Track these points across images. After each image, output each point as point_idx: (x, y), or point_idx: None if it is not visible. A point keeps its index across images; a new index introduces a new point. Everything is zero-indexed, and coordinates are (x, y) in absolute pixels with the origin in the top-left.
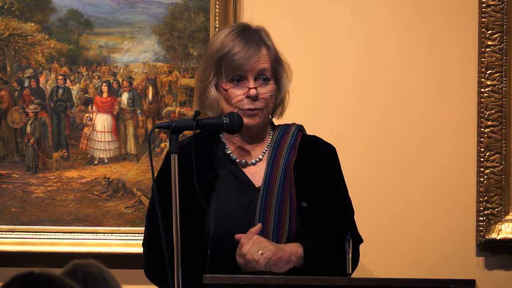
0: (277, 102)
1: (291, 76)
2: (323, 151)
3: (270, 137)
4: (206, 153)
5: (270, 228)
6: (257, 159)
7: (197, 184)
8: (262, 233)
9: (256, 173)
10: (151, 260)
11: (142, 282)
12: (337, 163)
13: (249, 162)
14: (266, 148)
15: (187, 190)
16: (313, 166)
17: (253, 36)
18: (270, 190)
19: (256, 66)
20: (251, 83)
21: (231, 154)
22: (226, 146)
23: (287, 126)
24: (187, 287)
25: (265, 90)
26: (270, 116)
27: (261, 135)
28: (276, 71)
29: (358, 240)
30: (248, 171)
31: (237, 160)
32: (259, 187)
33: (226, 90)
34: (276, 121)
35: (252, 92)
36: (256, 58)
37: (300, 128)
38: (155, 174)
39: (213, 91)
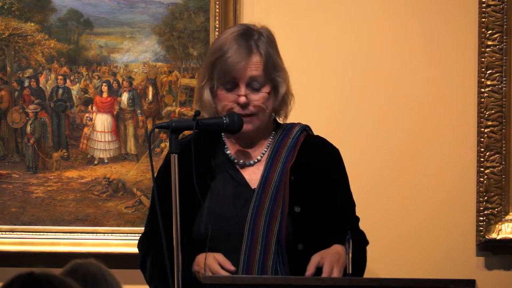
0: (277, 106)
1: (288, 80)
2: (326, 153)
3: (271, 137)
4: (206, 152)
5: (260, 231)
6: (256, 160)
7: (191, 184)
8: (252, 235)
9: (253, 175)
10: (148, 260)
11: (142, 282)
12: (340, 165)
13: (247, 163)
14: (265, 149)
15: (184, 189)
16: (314, 169)
17: (249, 42)
18: (264, 193)
19: (246, 73)
20: (242, 91)
21: (230, 155)
22: (226, 146)
23: (290, 127)
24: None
25: (257, 97)
26: (274, 115)
27: (260, 137)
28: (271, 77)
29: (364, 242)
30: (246, 172)
31: (236, 161)
32: (254, 189)
33: (217, 95)
34: (282, 120)
35: (241, 99)
36: (244, 64)
37: (305, 129)
38: (156, 173)
39: (206, 94)
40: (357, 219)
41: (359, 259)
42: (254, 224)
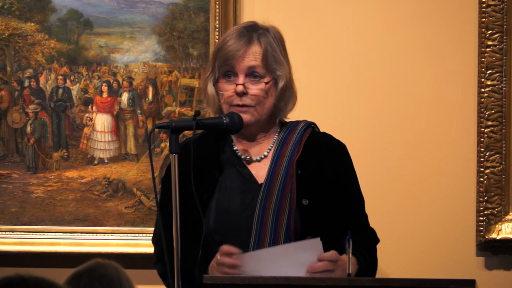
0: (276, 101)
1: (288, 77)
2: (332, 148)
3: (277, 134)
4: (214, 149)
5: (268, 225)
6: (262, 156)
7: (199, 180)
8: (261, 229)
9: (260, 170)
10: (161, 257)
11: (143, 282)
12: (348, 160)
13: (254, 159)
14: (271, 145)
15: (191, 186)
16: (320, 163)
17: (251, 33)
18: (271, 187)
19: (244, 62)
20: (240, 80)
21: (237, 151)
22: (233, 143)
23: (296, 123)
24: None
25: (255, 87)
26: (280, 116)
27: (266, 134)
28: (272, 69)
29: (375, 240)
30: (253, 167)
31: (242, 157)
32: (262, 183)
33: (218, 86)
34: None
35: (239, 88)
36: (242, 52)
37: (311, 125)
38: (156, 172)
39: (210, 87)
40: (366, 216)
41: (371, 264)
42: (262, 218)
